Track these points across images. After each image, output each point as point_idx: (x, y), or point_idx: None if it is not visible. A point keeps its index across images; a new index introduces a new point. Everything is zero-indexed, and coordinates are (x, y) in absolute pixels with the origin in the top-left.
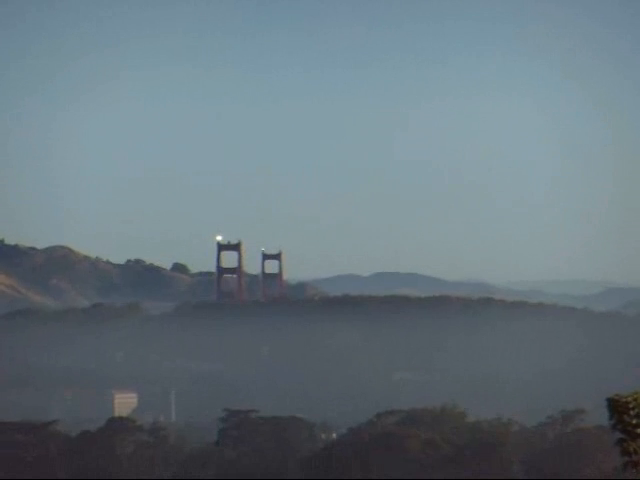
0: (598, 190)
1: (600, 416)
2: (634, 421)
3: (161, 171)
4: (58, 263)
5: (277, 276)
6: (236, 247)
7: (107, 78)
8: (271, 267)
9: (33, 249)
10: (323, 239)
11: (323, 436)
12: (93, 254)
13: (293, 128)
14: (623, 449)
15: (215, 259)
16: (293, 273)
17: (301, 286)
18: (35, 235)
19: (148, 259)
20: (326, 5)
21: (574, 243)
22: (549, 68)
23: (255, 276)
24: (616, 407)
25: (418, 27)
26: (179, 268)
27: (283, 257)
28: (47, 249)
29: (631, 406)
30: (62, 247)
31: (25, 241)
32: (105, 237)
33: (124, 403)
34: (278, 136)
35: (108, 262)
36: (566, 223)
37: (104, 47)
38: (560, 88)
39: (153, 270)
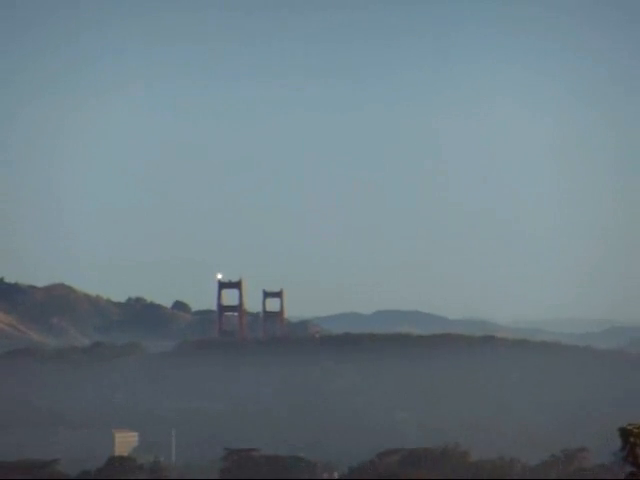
0: (601, 228)
1: (602, 454)
2: None
3: (161, 209)
4: (58, 301)
5: (278, 314)
6: (237, 285)
7: (107, 98)
8: (272, 305)
9: (33, 287)
10: (324, 277)
11: (324, 475)
12: (93, 292)
13: (293, 165)
14: None
15: (216, 297)
16: (294, 311)
17: (302, 324)
18: (35, 273)
19: (149, 297)
20: (329, 15)
21: (576, 281)
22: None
23: (256, 314)
24: (628, 437)
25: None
26: (180, 306)
27: (284, 295)
28: (47, 287)
29: None
30: (62, 285)
31: (25, 279)
32: (105, 275)
33: (124, 442)
34: (280, 174)
35: (108, 300)
36: (568, 261)
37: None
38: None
39: (154, 308)
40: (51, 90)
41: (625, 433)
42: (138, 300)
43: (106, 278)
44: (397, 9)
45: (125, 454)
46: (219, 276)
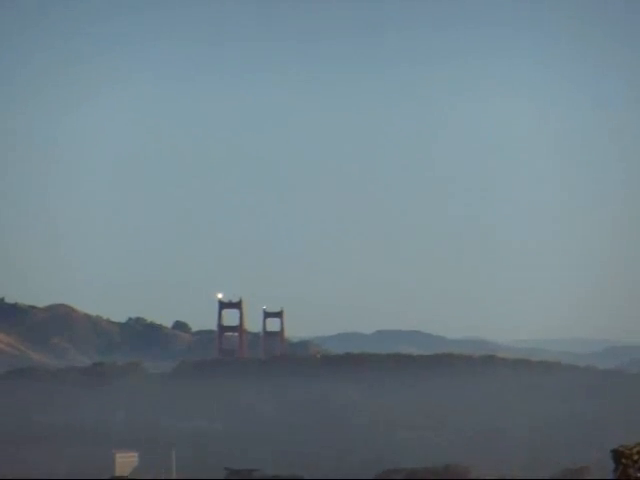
0: (600, 247)
1: (603, 472)
2: (639, 474)
3: (160, 228)
4: (59, 321)
5: (278, 334)
6: (237, 305)
7: (97, 111)
8: (272, 325)
9: (33, 307)
10: (325, 297)
11: None
12: (94, 312)
13: (295, 185)
14: None
15: (216, 317)
16: (295, 331)
17: (303, 344)
18: (35, 293)
19: (149, 317)
20: (327, 12)
21: (576, 301)
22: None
23: (256, 334)
24: (620, 458)
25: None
26: (180, 326)
27: (284, 315)
28: (48, 307)
29: (635, 458)
30: (63, 305)
31: (25, 299)
32: (106, 295)
33: (125, 462)
34: (282, 193)
35: (109, 320)
36: (568, 281)
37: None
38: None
39: (154, 328)
40: (44, 91)
41: (617, 455)
42: (138, 320)
43: (106, 298)
44: (396, 6)
45: (126, 474)
46: (219, 296)
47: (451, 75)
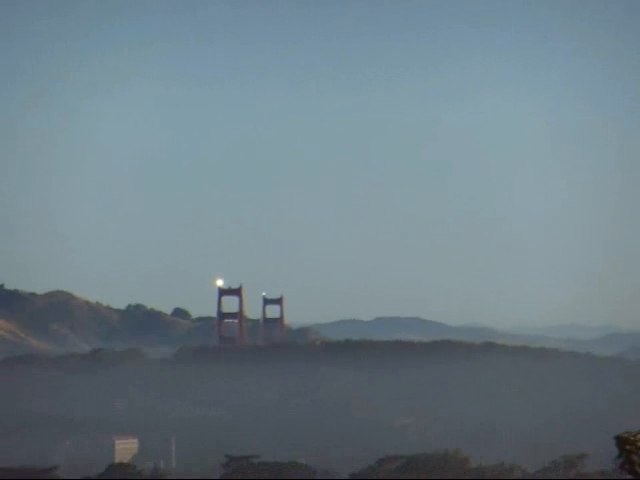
0: (600, 234)
1: (603, 460)
2: None
3: (160, 215)
4: (58, 308)
5: (278, 321)
6: (237, 292)
7: (103, 105)
8: (272, 312)
9: (33, 294)
10: (324, 284)
11: None
12: (94, 299)
13: (292, 170)
14: None
15: (216, 304)
16: (294, 318)
17: (302, 331)
18: (35, 280)
19: (149, 304)
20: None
21: (576, 288)
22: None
23: (256, 321)
24: (624, 445)
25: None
26: (180, 313)
27: (284, 302)
28: (47, 294)
29: None
30: (62, 292)
31: (25, 286)
32: (106, 282)
33: (125, 449)
34: (280, 180)
35: (109, 307)
36: (568, 268)
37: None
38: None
39: (154, 315)
40: (46, 91)
41: (620, 441)
42: (138, 307)
43: (106, 285)
44: (393, 5)
45: (125, 461)
46: (219, 283)
47: (446, 77)
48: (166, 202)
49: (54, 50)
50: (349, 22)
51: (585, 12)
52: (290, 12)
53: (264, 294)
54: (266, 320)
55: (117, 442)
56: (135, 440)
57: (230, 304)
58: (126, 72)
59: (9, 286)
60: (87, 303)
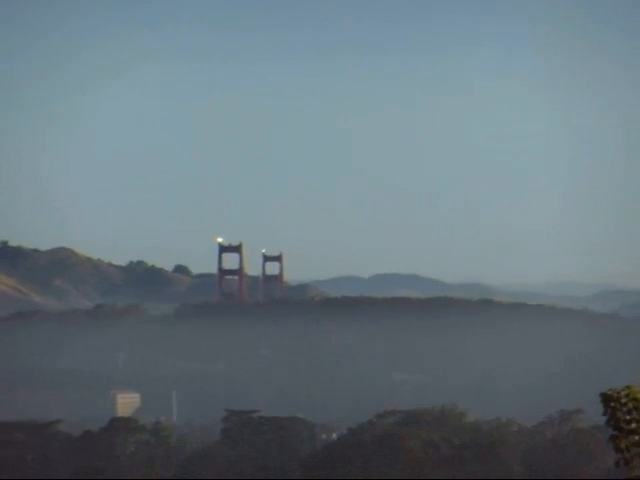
0: (598, 192)
1: (598, 416)
2: (627, 417)
3: (162, 173)
4: (61, 265)
5: (278, 278)
6: (237, 249)
7: (111, 74)
8: (272, 269)
9: (36, 251)
10: (323, 241)
11: (323, 436)
12: (95, 256)
13: (293, 130)
14: (616, 446)
15: (216, 261)
16: (294, 275)
17: (302, 287)
18: (38, 237)
19: (150, 261)
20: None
21: (573, 245)
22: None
23: (256, 278)
24: (609, 402)
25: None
26: (180, 270)
27: (284, 259)
28: (50, 251)
29: (624, 401)
30: (65, 249)
31: (28, 243)
32: (107, 239)
33: (126, 403)
34: (279, 137)
35: (110, 264)
36: (565, 225)
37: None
38: (563, 84)
39: (155, 272)
40: (43, 76)
41: (605, 398)
42: (139, 263)
43: (108, 242)
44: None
45: (127, 415)
46: (219, 240)
47: (442, 67)
48: (168, 162)
49: (53, 38)
50: (349, 18)
51: (587, 4)
52: (289, 10)
53: (264, 251)
54: (266, 277)
55: (119, 396)
56: (136, 394)
57: (230, 261)
58: (132, 54)
59: (12, 243)
60: (89, 260)
